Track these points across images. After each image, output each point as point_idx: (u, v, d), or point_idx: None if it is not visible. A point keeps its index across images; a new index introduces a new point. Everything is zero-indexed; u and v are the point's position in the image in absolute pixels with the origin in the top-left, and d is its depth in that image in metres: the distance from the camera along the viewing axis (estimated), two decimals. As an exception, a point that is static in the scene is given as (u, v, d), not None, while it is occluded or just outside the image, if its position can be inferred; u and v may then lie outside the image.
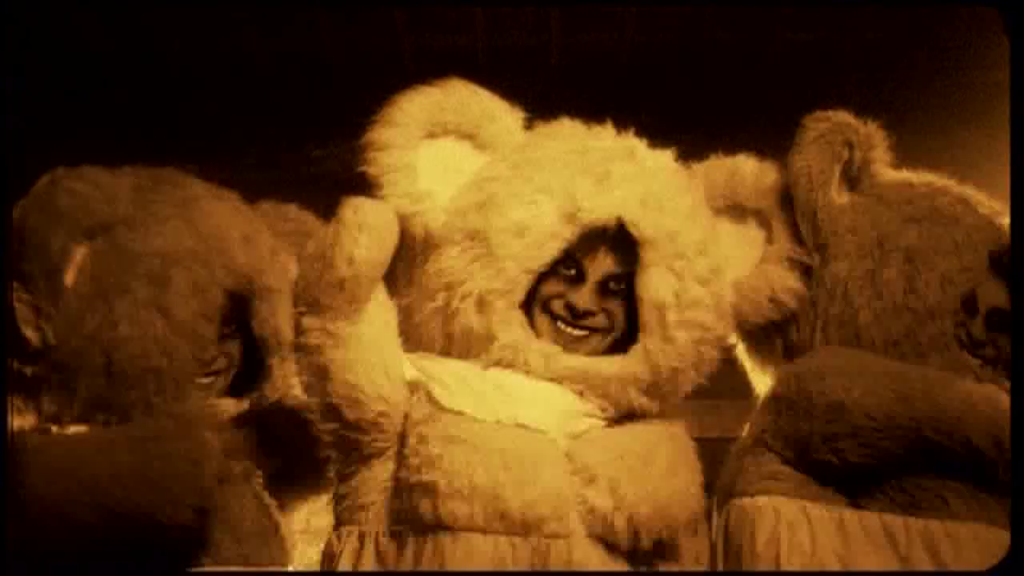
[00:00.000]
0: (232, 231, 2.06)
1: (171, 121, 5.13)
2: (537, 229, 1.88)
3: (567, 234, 1.89)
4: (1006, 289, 2.06)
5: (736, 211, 2.12)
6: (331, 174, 5.36)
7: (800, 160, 2.09)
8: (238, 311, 2.07)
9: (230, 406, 2.07)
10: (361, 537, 1.84)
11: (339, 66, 5.30)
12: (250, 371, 2.13)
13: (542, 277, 1.93)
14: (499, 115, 2.01)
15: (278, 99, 5.31)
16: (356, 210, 1.81)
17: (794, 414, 1.97)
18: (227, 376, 2.10)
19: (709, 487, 2.06)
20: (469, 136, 1.99)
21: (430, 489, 1.77)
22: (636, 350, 1.91)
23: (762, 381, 2.17)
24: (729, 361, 2.14)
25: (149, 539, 1.83)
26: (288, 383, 2.08)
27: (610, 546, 1.84)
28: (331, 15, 4.98)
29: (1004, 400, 1.90)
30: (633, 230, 1.90)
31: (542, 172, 1.92)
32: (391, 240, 1.83)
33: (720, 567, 2.01)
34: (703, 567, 2.04)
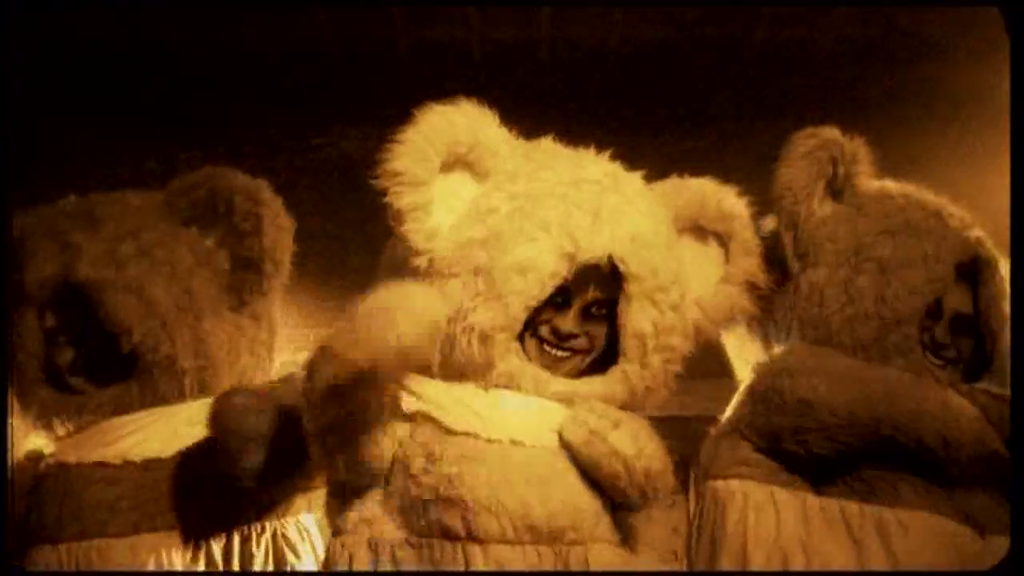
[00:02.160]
0: (36, 244, 2.26)
1: (176, 111, 5.21)
2: (539, 268, 1.95)
3: (565, 271, 1.97)
4: (970, 296, 2.23)
5: (697, 231, 2.19)
6: (330, 160, 5.47)
7: (787, 174, 2.22)
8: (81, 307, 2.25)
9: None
10: (373, 546, 1.92)
11: (338, 58, 5.40)
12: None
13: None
14: (499, 146, 2.06)
15: (280, 89, 5.40)
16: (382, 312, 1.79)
17: (767, 408, 2.14)
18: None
19: (686, 463, 2.22)
20: (470, 165, 2.05)
21: (458, 505, 1.88)
22: (615, 372, 2.02)
23: (742, 369, 2.33)
24: (707, 345, 2.25)
25: None
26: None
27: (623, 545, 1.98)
28: (331, 9, 5.06)
29: (955, 403, 2.09)
30: (621, 265, 2.00)
31: (540, 208, 1.99)
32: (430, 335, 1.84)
33: (695, 541, 2.19)
34: (681, 537, 2.24)
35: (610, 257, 1.99)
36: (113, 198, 2.36)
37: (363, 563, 1.90)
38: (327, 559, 1.97)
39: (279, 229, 2.32)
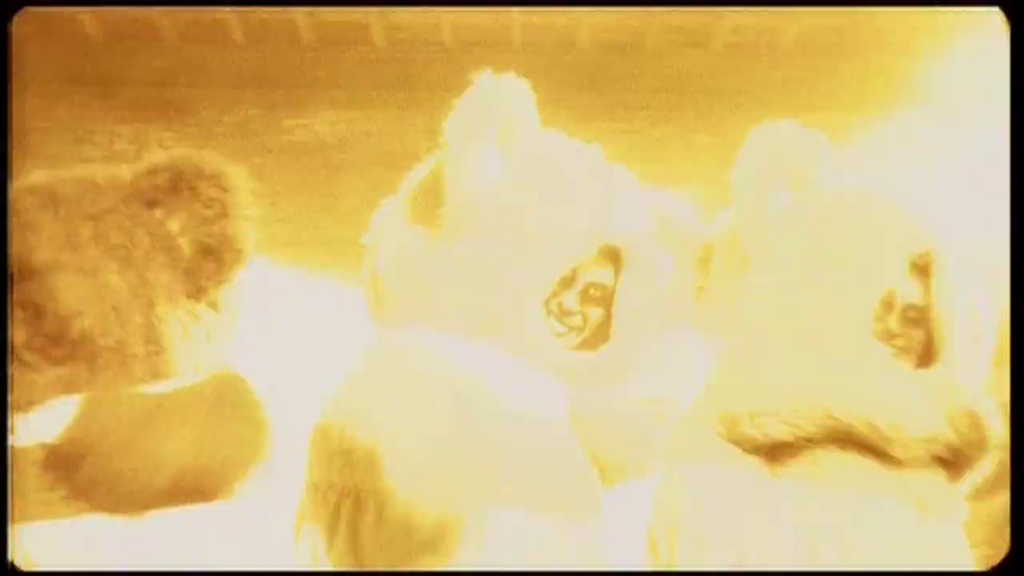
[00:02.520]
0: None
1: (149, 92, 5.22)
2: (569, 244, 2.08)
3: (592, 250, 2.11)
4: (921, 287, 2.30)
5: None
6: (302, 142, 5.49)
7: (744, 172, 2.30)
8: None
9: None
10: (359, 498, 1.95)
11: (311, 41, 5.41)
12: None
13: None
14: (533, 124, 2.15)
15: (253, 71, 5.41)
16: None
17: (726, 393, 2.24)
18: None
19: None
20: (508, 138, 2.11)
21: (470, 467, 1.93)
22: (606, 352, 2.15)
23: (703, 356, 2.40)
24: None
25: None
26: None
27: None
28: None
29: (906, 390, 2.17)
30: (631, 251, 2.14)
31: (570, 189, 2.12)
32: None
33: (656, 523, 2.26)
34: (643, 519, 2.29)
35: (624, 243, 2.12)
36: (78, 178, 2.36)
37: (351, 519, 1.92)
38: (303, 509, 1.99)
39: (243, 218, 2.33)
